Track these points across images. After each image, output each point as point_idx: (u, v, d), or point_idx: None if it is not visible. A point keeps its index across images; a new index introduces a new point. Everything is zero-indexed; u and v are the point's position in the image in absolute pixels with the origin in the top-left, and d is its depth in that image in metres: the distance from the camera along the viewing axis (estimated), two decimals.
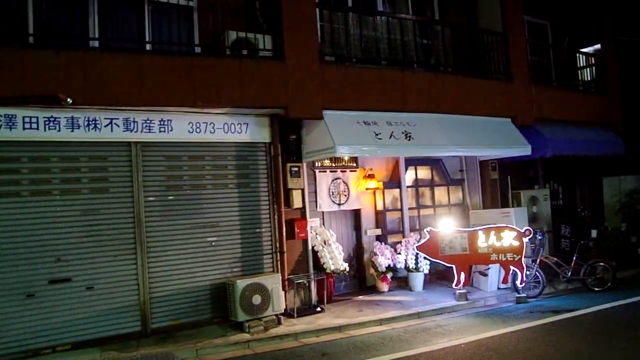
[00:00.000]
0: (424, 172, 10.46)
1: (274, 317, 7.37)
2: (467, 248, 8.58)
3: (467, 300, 8.41)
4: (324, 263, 8.38)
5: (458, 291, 8.52)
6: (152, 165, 7.31)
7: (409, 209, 10.07)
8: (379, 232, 9.71)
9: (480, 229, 8.62)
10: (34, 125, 6.44)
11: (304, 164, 8.50)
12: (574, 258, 9.20)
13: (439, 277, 9.89)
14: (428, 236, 8.77)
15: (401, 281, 9.57)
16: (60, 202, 6.69)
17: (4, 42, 6.34)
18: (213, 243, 7.67)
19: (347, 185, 9.36)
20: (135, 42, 7.55)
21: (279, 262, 8.01)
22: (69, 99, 6.22)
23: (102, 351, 6.44)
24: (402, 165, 9.95)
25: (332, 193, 9.16)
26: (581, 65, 12.66)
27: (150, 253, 7.18)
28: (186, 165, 7.57)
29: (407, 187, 10.08)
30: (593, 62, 12.61)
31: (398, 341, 6.58)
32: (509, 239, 8.38)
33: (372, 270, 9.35)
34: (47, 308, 6.50)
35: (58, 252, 6.62)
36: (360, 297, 8.96)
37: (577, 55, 12.56)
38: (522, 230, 8.39)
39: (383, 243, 9.49)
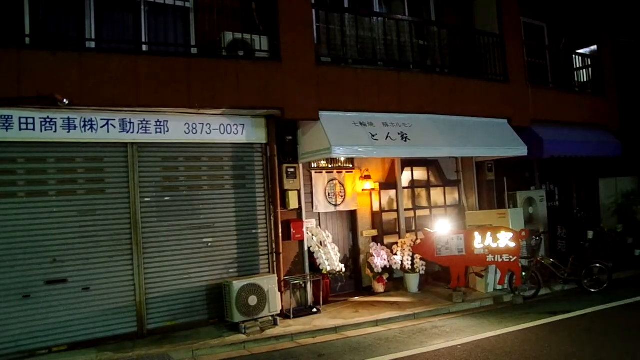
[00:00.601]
0: (420, 173, 10.48)
1: (270, 318, 7.40)
2: (463, 249, 8.60)
3: (463, 301, 8.42)
4: (320, 264, 8.39)
5: (454, 292, 8.54)
6: (149, 166, 7.32)
7: (405, 210, 10.08)
8: (375, 233, 9.72)
9: (476, 230, 8.63)
10: (30, 126, 6.45)
11: (300, 165, 8.51)
12: (571, 259, 9.21)
13: (435, 278, 9.92)
14: (424, 237, 8.78)
15: (397, 282, 9.57)
16: (56, 202, 6.70)
17: (0, 43, 6.33)
18: (209, 244, 7.68)
19: (343, 186, 9.36)
20: (132, 43, 7.56)
21: (275, 263, 8.02)
22: (65, 100, 6.25)
23: (98, 352, 6.43)
24: (399, 166, 9.97)
25: (329, 194, 9.17)
26: (577, 66, 12.68)
27: (146, 254, 7.18)
28: (182, 166, 7.58)
29: (404, 188, 10.10)
30: (589, 63, 12.63)
31: (394, 342, 6.58)
32: (505, 240, 8.39)
33: (368, 271, 9.37)
34: (43, 309, 6.50)
35: (54, 253, 6.63)
36: (357, 298, 8.97)
37: (574, 56, 12.58)
38: (519, 231, 8.40)
39: (379, 244, 9.49)
